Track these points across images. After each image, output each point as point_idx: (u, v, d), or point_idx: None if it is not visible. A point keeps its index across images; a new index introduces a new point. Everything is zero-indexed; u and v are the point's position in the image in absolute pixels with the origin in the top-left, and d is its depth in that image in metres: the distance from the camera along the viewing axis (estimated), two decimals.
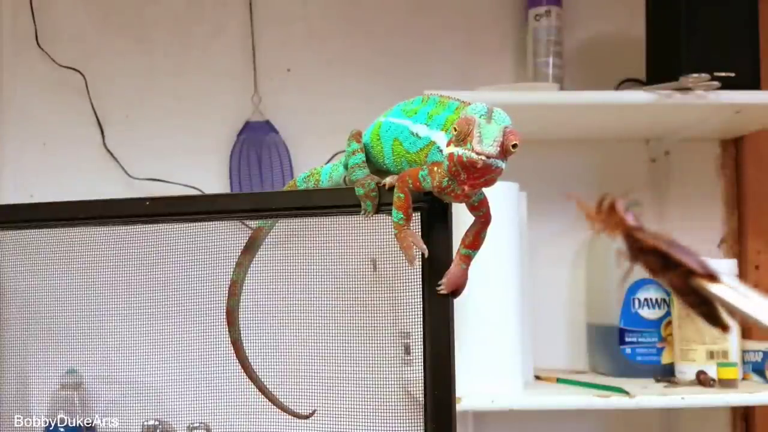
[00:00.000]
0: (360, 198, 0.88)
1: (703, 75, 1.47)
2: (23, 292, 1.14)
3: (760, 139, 1.79)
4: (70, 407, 1.34)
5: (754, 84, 1.53)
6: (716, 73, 1.48)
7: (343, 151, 0.95)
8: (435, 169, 0.81)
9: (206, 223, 1.02)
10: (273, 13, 1.82)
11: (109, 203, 0.98)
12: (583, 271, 1.76)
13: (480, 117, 0.78)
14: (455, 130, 0.78)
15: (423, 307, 0.88)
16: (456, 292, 0.86)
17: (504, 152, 0.78)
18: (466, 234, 0.86)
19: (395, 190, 0.85)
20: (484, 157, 0.76)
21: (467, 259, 0.86)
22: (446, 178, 0.80)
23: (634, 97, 1.53)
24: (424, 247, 0.84)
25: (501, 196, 1.47)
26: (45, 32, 1.79)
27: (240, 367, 1.04)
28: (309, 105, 1.80)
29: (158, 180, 1.74)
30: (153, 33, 1.82)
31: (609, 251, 1.68)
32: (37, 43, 1.78)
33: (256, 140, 1.77)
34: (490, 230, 1.47)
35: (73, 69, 1.78)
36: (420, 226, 0.88)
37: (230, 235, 1.06)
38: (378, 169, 0.92)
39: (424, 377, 0.88)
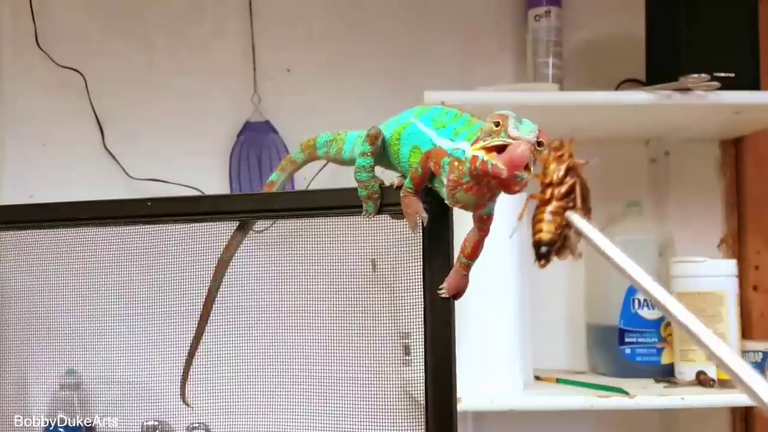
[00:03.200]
0: (362, 199, 0.89)
1: (703, 75, 1.47)
2: (23, 292, 1.14)
3: (759, 139, 1.79)
4: (69, 407, 1.34)
5: (753, 84, 1.53)
6: (716, 74, 1.48)
7: None
8: (456, 164, 0.80)
9: (206, 224, 1.02)
10: (273, 13, 1.82)
11: (109, 204, 0.98)
12: (583, 272, 1.76)
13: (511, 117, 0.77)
14: (487, 125, 0.76)
15: (424, 309, 0.89)
16: (457, 295, 0.87)
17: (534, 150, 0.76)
18: (465, 243, 0.86)
19: (414, 163, 0.85)
20: (524, 144, 0.74)
21: (467, 267, 0.87)
22: (465, 176, 0.79)
23: (634, 97, 1.53)
24: (425, 215, 0.84)
25: (501, 196, 1.47)
26: (45, 32, 1.79)
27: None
28: (309, 105, 1.80)
29: (158, 180, 1.75)
30: (153, 33, 1.82)
31: None
32: (37, 44, 1.78)
33: (256, 140, 1.77)
34: (491, 230, 1.46)
35: (73, 69, 1.78)
36: (420, 228, 0.88)
37: (230, 235, 1.06)
38: (390, 164, 0.92)
39: (425, 379, 0.88)
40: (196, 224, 1.02)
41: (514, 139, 0.74)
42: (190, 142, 1.79)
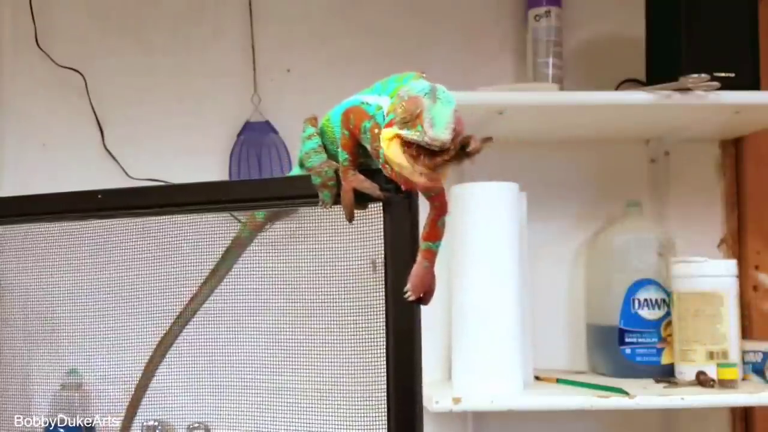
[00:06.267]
0: (317, 188, 0.81)
1: (703, 75, 1.47)
2: (24, 291, 1.14)
3: (759, 139, 1.79)
4: (70, 407, 1.34)
5: (753, 84, 1.53)
6: (716, 74, 1.48)
7: None
8: (376, 131, 0.74)
9: (204, 222, 1.02)
10: (273, 13, 1.82)
11: (65, 196, 0.96)
12: (583, 271, 1.76)
13: (426, 96, 0.70)
14: (400, 108, 0.70)
15: (386, 314, 0.80)
16: (425, 296, 0.78)
17: (455, 139, 0.69)
18: (424, 226, 0.79)
19: (340, 128, 0.79)
20: (438, 143, 0.68)
21: (429, 254, 0.78)
22: (382, 151, 0.72)
23: (634, 97, 1.53)
24: (379, 193, 0.77)
25: (501, 196, 1.48)
26: (45, 32, 1.79)
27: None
28: (309, 105, 1.77)
29: (157, 180, 1.74)
30: (153, 33, 1.82)
31: (610, 251, 1.68)
32: (37, 44, 1.78)
33: (256, 140, 1.77)
34: (490, 229, 1.46)
35: (73, 69, 1.78)
36: (381, 218, 0.81)
37: (229, 232, 1.06)
38: (332, 158, 0.85)
39: (387, 389, 0.81)
40: (194, 222, 1.01)
41: (431, 139, 0.68)
42: (190, 142, 1.79)
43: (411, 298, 0.77)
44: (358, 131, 0.77)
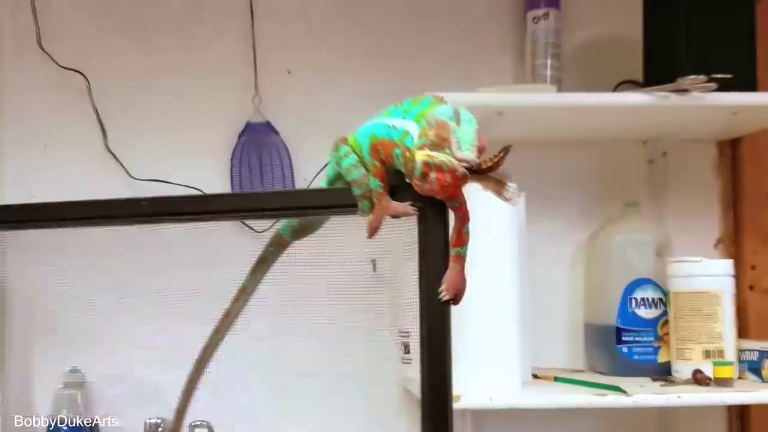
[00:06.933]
0: (357, 198, 0.88)
1: (701, 76, 1.48)
2: (27, 292, 1.15)
3: (757, 140, 1.80)
4: (72, 406, 1.35)
5: (750, 85, 1.54)
6: (713, 75, 1.49)
7: None
8: (408, 154, 0.81)
9: (208, 224, 1.03)
10: (273, 13, 1.82)
11: (106, 203, 0.98)
12: (582, 271, 1.77)
13: (451, 121, 0.79)
14: (431, 132, 0.78)
15: (420, 312, 0.86)
16: (457, 297, 0.85)
17: (480, 155, 0.78)
18: (450, 235, 0.86)
19: (370, 158, 0.86)
20: (465, 163, 0.77)
21: (458, 258, 0.85)
22: (417, 170, 0.80)
23: (631, 98, 1.54)
24: (412, 211, 0.84)
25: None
26: (46, 33, 1.80)
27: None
28: (310, 106, 1.80)
29: (159, 181, 1.75)
30: (154, 34, 1.83)
31: (609, 251, 1.69)
32: (39, 44, 1.79)
33: (257, 141, 1.77)
34: (490, 230, 1.48)
35: (75, 70, 1.79)
36: (417, 226, 0.87)
37: (232, 235, 1.07)
38: None
39: (422, 382, 0.86)
40: (198, 225, 1.02)
41: (458, 160, 0.77)
42: (191, 142, 1.80)
43: (445, 298, 0.83)
44: (390, 159, 0.84)
